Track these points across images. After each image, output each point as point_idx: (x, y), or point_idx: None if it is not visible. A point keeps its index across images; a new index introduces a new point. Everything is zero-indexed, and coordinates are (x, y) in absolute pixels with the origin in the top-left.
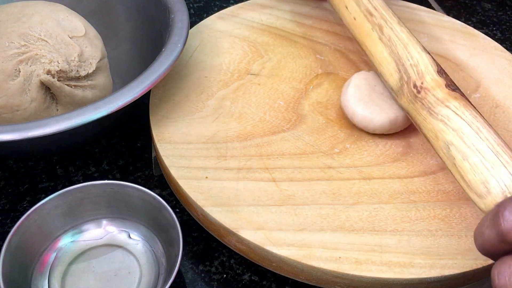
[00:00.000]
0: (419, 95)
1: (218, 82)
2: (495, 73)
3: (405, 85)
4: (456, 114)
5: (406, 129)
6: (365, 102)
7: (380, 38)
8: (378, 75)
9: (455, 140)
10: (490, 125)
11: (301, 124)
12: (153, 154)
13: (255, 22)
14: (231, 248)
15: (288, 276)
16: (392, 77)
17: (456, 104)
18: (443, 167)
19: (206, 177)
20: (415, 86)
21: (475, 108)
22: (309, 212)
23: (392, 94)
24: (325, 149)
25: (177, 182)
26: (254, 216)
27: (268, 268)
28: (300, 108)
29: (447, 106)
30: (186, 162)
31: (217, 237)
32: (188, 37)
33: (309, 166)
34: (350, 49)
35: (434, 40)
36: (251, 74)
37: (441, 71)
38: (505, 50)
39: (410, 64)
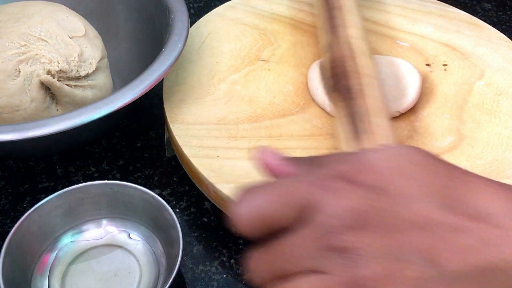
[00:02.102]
0: None
1: (229, 68)
2: (499, 62)
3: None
4: None
5: (411, 113)
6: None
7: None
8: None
9: None
10: None
11: (309, 107)
12: (166, 136)
13: (265, 11)
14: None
15: None
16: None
17: None
18: (447, 150)
19: (218, 156)
20: None
21: None
22: None
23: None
24: (332, 131)
25: (190, 160)
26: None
27: None
28: (309, 93)
29: None
30: (198, 141)
31: (227, 213)
32: (200, 24)
33: (316, 147)
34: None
35: (441, 30)
36: (261, 60)
37: None
38: (509, 40)
39: None
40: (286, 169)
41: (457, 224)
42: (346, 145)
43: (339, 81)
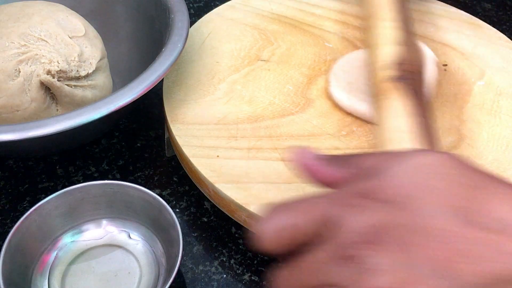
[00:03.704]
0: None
1: (229, 67)
2: (499, 62)
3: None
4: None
5: None
6: (348, 91)
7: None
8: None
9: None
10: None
11: (309, 107)
12: (166, 136)
13: (265, 11)
14: (241, 223)
15: None
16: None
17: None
18: (447, 150)
19: (218, 156)
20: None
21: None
22: (316, 190)
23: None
24: (332, 131)
25: (190, 160)
26: (264, 192)
27: None
28: (309, 93)
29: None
30: (198, 141)
31: (227, 213)
32: (200, 24)
33: (317, 147)
34: (358, 37)
35: (441, 30)
36: (261, 60)
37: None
38: (509, 40)
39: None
40: (324, 171)
41: (475, 236)
42: (400, 141)
43: (404, 79)
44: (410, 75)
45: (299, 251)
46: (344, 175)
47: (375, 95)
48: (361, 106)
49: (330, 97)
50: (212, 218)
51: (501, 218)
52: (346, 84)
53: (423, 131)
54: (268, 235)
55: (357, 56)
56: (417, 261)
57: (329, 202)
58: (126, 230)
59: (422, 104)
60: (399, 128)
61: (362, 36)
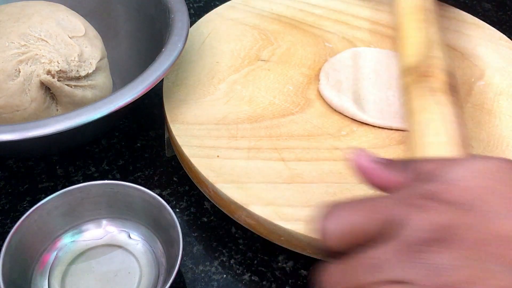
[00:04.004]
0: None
1: (229, 68)
2: (499, 62)
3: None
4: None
5: None
6: (338, 90)
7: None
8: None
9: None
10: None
11: (309, 108)
12: (166, 136)
13: (265, 11)
14: (241, 223)
15: (296, 250)
16: (414, 57)
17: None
18: None
19: (218, 156)
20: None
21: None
22: (316, 190)
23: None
24: (332, 131)
25: (190, 160)
26: (264, 192)
27: (276, 243)
28: (309, 93)
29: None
30: (198, 141)
31: (227, 213)
32: (200, 24)
33: (316, 147)
34: (358, 37)
35: (441, 30)
36: (261, 60)
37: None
38: (509, 40)
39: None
40: (381, 174)
41: None
42: (437, 148)
43: (443, 83)
44: (450, 78)
45: (357, 249)
46: (401, 180)
47: (406, 97)
48: (350, 107)
49: None
50: (212, 218)
51: None
52: (336, 82)
53: (460, 137)
54: (331, 231)
55: (348, 55)
56: (488, 258)
57: (393, 202)
58: (126, 230)
59: (457, 109)
60: (437, 133)
61: (361, 37)
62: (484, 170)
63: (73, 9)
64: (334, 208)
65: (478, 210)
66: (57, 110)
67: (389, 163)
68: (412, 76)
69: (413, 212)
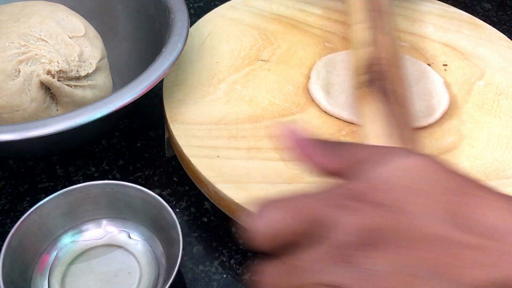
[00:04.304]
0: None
1: (229, 68)
2: (499, 62)
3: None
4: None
5: None
6: (327, 90)
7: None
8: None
9: None
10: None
11: (309, 107)
12: (166, 136)
13: (265, 11)
14: (241, 224)
15: None
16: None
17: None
18: (447, 150)
19: (218, 156)
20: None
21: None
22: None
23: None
24: (332, 131)
25: (190, 160)
26: (264, 193)
27: None
28: (309, 93)
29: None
30: (198, 141)
31: (227, 213)
32: (200, 24)
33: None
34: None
35: (441, 30)
36: (261, 60)
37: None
38: (509, 40)
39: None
40: (320, 158)
41: (466, 241)
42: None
43: (374, 81)
44: (379, 75)
45: (287, 249)
46: (337, 166)
47: (354, 101)
48: (335, 107)
49: None
50: (212, 218)
51: (489, 223)
52: (325, 83)
53: (396, 132)
54: (259, 232)
55: (341, 58)
56: (415, 263)
57: (320, 202)
58: (126, 230)
59: (395, 101)
60: (373, 134)
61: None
62: (405, 168)
63: (73, 9)
64: (264, 207)
65: (403, 212)
66: (57, 110)
67: (325, 144)
68: (360, 77)
69: (340, 214)
